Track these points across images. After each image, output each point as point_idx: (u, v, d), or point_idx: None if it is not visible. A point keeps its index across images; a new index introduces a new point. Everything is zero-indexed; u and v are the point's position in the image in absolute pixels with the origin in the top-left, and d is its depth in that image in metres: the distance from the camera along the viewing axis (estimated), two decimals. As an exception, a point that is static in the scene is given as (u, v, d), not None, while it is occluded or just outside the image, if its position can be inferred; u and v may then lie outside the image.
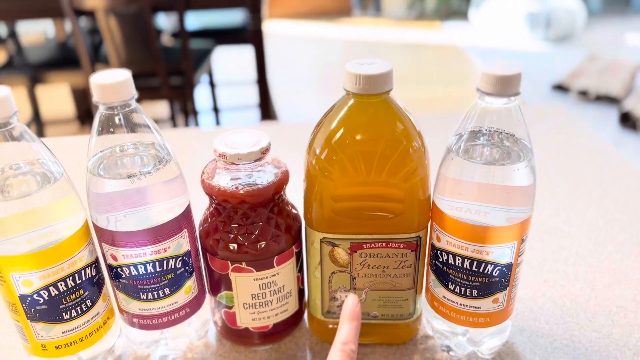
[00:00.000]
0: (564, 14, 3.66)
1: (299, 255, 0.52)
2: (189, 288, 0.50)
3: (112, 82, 0.42)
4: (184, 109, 2.32)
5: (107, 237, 0.46)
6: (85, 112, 2.49)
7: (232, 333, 0.54)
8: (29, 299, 0.44)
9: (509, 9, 3.82)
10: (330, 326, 0.54)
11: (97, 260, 0.48)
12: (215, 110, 2.49)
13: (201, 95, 2.92)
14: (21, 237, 0.43)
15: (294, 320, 0.55)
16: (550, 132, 0.95)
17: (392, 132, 0.45)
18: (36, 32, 3.25)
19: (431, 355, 0.53)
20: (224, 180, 0.47)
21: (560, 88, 3.00)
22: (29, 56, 2.17)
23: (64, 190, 0.44)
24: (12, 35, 2.20)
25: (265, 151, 0.47)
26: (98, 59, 1.97)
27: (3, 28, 2.26)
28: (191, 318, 0.53)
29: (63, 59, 2.15)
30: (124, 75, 0.43)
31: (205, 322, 0.56)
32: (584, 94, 2.87)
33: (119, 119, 0.44)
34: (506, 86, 0.41)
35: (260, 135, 0.48)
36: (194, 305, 0.52)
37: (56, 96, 2.74)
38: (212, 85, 2.41)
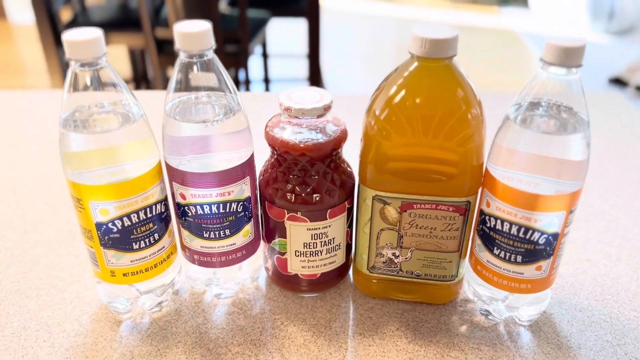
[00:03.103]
0: (629, 6, 3.51)
1: (350, 211, 0.55)
2: (247, 232, 0.54)
3: (194, 32, 0.45)
4: (236, 78, 2.37)
5: (178, 176, 0.49)
6: (141, 74, 2.56)
7: (282, 278, 0.57)
8: (104, 226, 0.49)
9: (571, -3, 3.70)
10: (374, 281, 0.57)
11: (166, 199, 0.52)
12: (266, 80, 2.52)
13: (253, 65, 2.96)
14: (101, 170, 0.47)
15: (340, 272, 0.58)
16: (605, 118, 0.94)
17: (453, 96, 0.47)
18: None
19: (469, 317, 0.56)
20: (286, 133, 0.50)
21: (618, 82, 2.91)
22: (92, 15, 2.25)
23: (142, 131, 0.48)
24: (78, -6, 2.28)
25: (327, 108, 0.50)
26: (158, 22, 2.02)
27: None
28: (242, 264, 0.56)
29: (123, 20, 2.21)
30: (205, 26, 0.46)
31: (258, 267, 0.59)
32: (643, 89, 2.77)
33: (197, 67, 0.47)
34: (569, 57, 0.42)
35: (324, 93, 0.51)
36: (250, 249, 0.55)
37: (114, 56, 2.83)
38: (264, 56, 2.44)
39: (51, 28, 2.06)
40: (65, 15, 2.34)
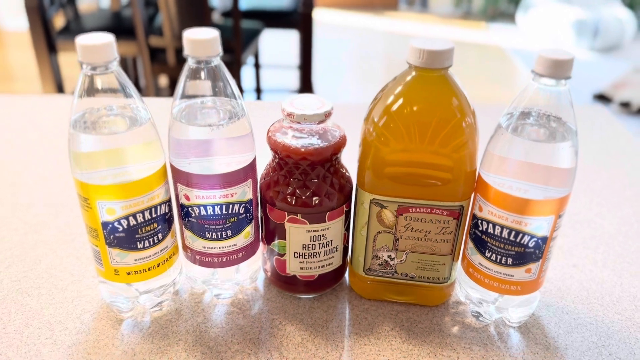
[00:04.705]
0: (613, 24, 3.60)
1: (348, 214, 0.57)
2: (248, 233, 0.55)
3: (202, 38, 0.47)
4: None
5: (183, 178, 0.51)
6: (133, 82, 2.57)
7: (281, 280, 0.59)
8: (110, 225, 0.50)
9: (557, 14, 3.78)
10: (369, 283, 0.59)
11: (170, 200, 0.54)
12: (258, 90, 2.55)
13: (245, 75, 2.98)
14: (109, 171, 0.49)
15: (337, 274, 0.59)
16: (591, 131, 0.97)
17: (448, 105, 0.49)
18: (91, 0, 3.35)
19: (461, 319, 0.58)
20: (288, 138, 0.52)
21: (602, 98, 2.97)
22: (85, 23, 2.26)
23: (149, 134, 0.50)
24: (71, 1, 2.29)
25: (328, 114, 0.52)
26: (152, 30, 2.04)
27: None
28: (240, 266, 0.58)
29: (116, 28, 2.23)
30: (213, 34, 0.48)
31: (256, 269, 0.61)
32: (626, 105, 2.84)
33: (204, 73, 0.49)
34: (559, 69, 0.44)
35: (325, 100, 0.53)
36: (249, 250, 0.57)
37: (106, 65, 2.83)
38: (256, 66, 2.47)
39: (44, 35, 2.07)
40: (59, 22, 2.35)
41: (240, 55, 2.00)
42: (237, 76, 2.06)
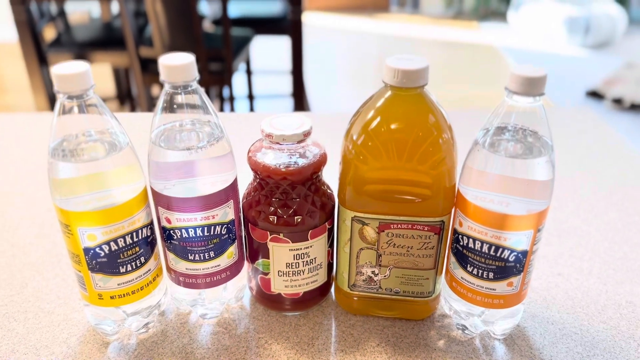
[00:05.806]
0: (605, 20, 3.61)
1: (331, 231, 0.57)
2: (231, 253, 0.56)
3: (178, 64, 0.47)
4: (220, 95, 2.39)
5: (164, 201, 0.51)
6: (125, 93, 2.57)
7: (266, 298, 0.59)
8: (92, 251, 0.50)
9: (548, 12, 3.78)
10: (355, 298, 0.59)
11: (151, 223, 0.54)
12: (250, 97, 2.55)
13: (237, 82, 2.99)
14: (89, 196, 0.49)
15: (322, 290, 0.60)
16: (578, 134, 0.98)
17: (424, 123, 0.49)
18: (82, 11, 3.35)
19: (446, 332, 0.58)
20: (268, 158, 0.53)
21: (595, 95, 2.98)
22: (75, 35, 2.26)
23: (129, 158, 0.50)
24: (62, 13, 2.29)
25: (307, 134, 0.52)
26: (142, 41, 2.04)
27: (54, 6, 2.34)
28: (227, 284, 0.58)
29: (107, 39, 2.23)
30: (188, 59, 0.48)
31: (242, 287, 0.61)
32: (618, 101, 2.85)
33: (181, 97, 0.49)
34: (532, 86, 0.45)
35: (304, 119, 0.53)
36: (234, 270, 0.57)
37: (98, 75, 2.83)
38: (248, 73, 2.47)
39: (35, 47, 2.07)
40: (49, 34, 2.35)
41: (231, 63, 2.00)
42: (229, 84, 2.06)
